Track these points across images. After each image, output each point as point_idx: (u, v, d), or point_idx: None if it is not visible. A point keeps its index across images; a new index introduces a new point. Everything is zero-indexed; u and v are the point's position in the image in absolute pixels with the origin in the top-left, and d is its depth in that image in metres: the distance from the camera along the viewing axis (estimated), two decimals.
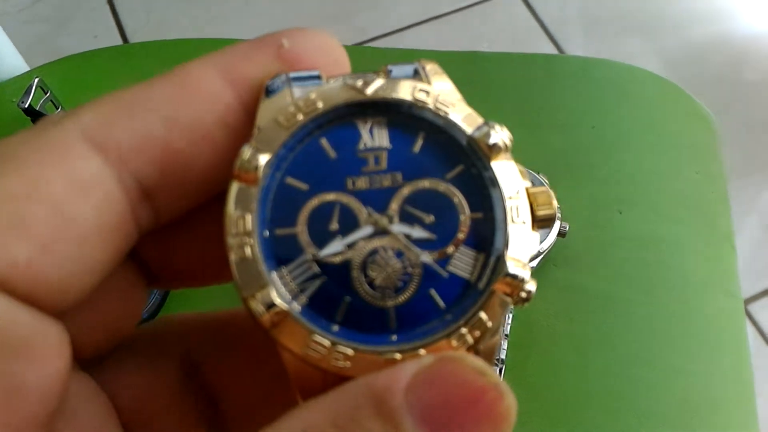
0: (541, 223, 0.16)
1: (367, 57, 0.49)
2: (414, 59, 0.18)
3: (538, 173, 0.41)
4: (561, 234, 0.40)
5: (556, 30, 1.10)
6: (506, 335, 0.38)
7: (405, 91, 0.16)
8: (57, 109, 0.43)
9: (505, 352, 0.37)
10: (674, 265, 0.42)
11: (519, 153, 0.45)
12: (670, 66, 1.08)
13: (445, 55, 0.48)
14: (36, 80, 0.42)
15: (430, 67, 0.17)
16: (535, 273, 0.39)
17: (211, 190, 0.17)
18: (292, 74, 0.16)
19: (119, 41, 1.10)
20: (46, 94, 0.43)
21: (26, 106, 0.42)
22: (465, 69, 0.48)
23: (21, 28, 1.14)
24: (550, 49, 1.08)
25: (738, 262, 0.94)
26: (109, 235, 0.15)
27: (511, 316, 0.39)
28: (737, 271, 0.44)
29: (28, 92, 0.42)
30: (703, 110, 0.49)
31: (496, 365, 0.37)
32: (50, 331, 0.15)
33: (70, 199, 0.15)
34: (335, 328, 0.16)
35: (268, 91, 0.16)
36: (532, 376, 0.38)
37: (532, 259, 0.39)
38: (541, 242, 0.39)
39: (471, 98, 0.48)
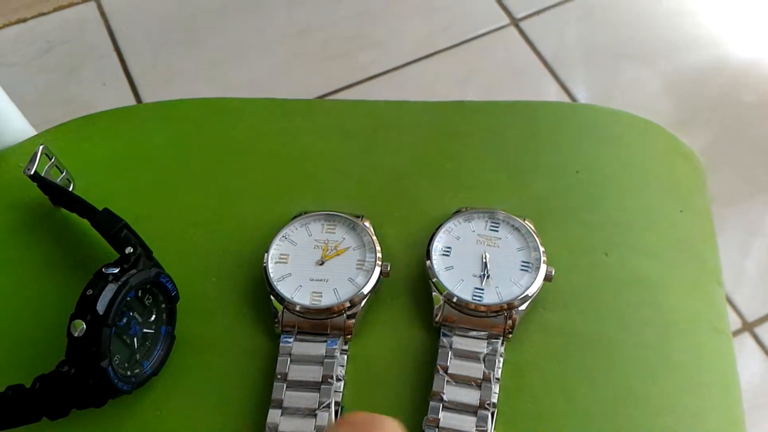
0: None
1: (348, 110, 0.51)
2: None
3: (524, 219, 0.43)
4: (547, 278, 0.41)
5: (554, 61, 1.11)
6: (497, 379, 0.39)
7: None
8: (62, 173, 0.45)
9: (496, 396, 0.38)
10: (662, 304, 0.43)
11: (505, 198, 0.47)
12: (669, 91, 1.09)
13: (430, 105, 0.50)
14: (41, 147, 0.44)
15: None
16: (525, 317, 0.40)
17: None
18: None
19: (127, 87, 1.12)
20: (51, 159, 0.45)
21: (32, 173, 0.44)
22: (450, 118, 0.49)
23: (31, 78, 1.18)
24: (549, 79, 1.09)
25: (746, 284, 0.94)
26: None
27: (502, 360, 0.40)
28: (726, 308, 0.45)
29: (33, 159, 0.44)
30: (687, 149, 0.50)
31: (487, 409, 0.38)
32: None
33: None
34: None
35: None
36: (523, 419, 0.39)
37: (521, 304, 0.40)
38: (529, 288, 0.40)
39: (456, 146, 0.50)
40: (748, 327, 0.93)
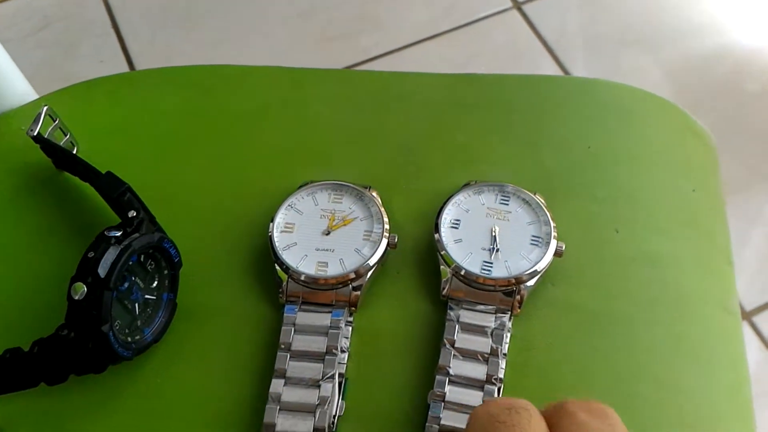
0: None
1: (360, 80, 0.50)
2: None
3: (534, 193, 0.42)
4: (557, 254, 0.40)
5: (556, 45, 1.10)
6: (504, 354, 0.38)
7: None
8: (65, 136, 0.44)
9: (503, 371, 0.38)
10: (672, 282, 0.42)
11: (515, 173, 0.46)
12: (671, 78, 1.09)
13: (442, 77, 0.49)
14: (44, 108, 0.43)
15: None
16: (533, 293, 0.40)
17: None
18: None
19: (125, 65, 1.11)
20: (54, 121, 0.44)
21: (35, 134, 0.43)
22: (461, 91, 0.48)
23: (27, 54, 1.16)
24: (550, 64, 1.09)
25: (744, 274, 0.94)
26: None
27: (509, 335, 0.39)
28: (735, 288, 0.44)
29: (36, 121, 0.43)
30: (699, 128, 0.49)
31: (494, 384, 0.37)
32: None
33: None
34: None
35: None
36: (530, 395, 0.38)
37: (529, 279, 0.40)
38: (538, 263, 0.40)
39: (467, 120, 0.49)
40: (746, 316, 0.92)
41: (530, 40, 1.11)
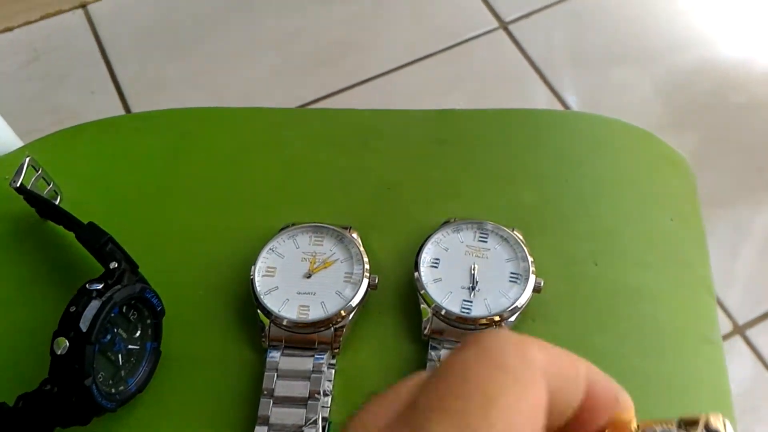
0: None
1: (336, 119, 0.50)
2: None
3: (512, 229, 0.42)
4: (536, 290, 0.40)
5: (543, 64, 1.11)
6: None
7: None
8: (48, 185, 0.45)
9: None
10: (652, 314, 0.42)
11: (493, 209, 0.47)
12: (658, 93, 1.09)
13: (418, 113, 0.50)
14: (27, 159, 0.44)
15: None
16: (513, 329, 0.40)
17: None
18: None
19: (115, 95, 1.12)
20: (37, 171, 0.44)
21: (18, 185, 0.43)
22: (438, 127, 0.49)
23: (18, 87, 1.17)
24: (538, 83, 1.09)
25: (735, 287, 0.94)
26: None
27: None
28: (716, 317, 0.44)
29: (19, 172, 0.43)
30: (676, 155, 0.50)
31: None
32: None
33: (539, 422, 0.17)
34: None
35: None
36: None
37: (510, 315, 0.40)
38: (518, 299, 0.40)
39: (445, 155, 0.49)
40: (739, 330, 0.93)
41: (517, 60, 1.12)
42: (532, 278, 0.41)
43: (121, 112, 1.09)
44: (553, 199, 0.46)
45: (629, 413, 0.21)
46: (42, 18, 1.21)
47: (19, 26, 1.21)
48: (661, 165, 0.49)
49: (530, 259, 0.41)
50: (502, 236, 0.42)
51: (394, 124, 0.49)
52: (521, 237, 0.42)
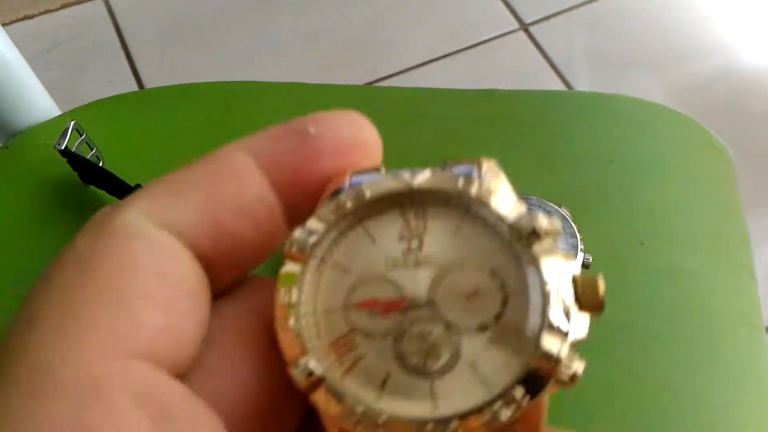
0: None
1: (380, 97, 0.50)
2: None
3: (559, 206, 0.42)
4: (585, 266, 0.40)
5: (563, 66, 1.11)
6: None
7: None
8: (92, 150, 0.45)
9: None
10: (695, 296, 0.42)
11: (537, 189, 0.46)
12: (677, 99, 1.09)
13: (461, 92, 0.50)
14: (72, 123, 0.44)
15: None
16: None
17: (255, 262, 0.18)
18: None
19: (134, 86, 1.12)
20: (81, 136, 0.44)
21: (63, 148, 0.43)
22: (481, 107, 0.49)
23: (38, 75, 1.17)
24: (557, 84, 1.09)
25: (759, 292, 0.94)
26: (204, 292, 0.17)
27: None
28: (758, 303, 0.44)
29: (64, 135, 0.43)
30: (717, 142, 0.50)
31: None
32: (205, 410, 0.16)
33: (164, 266, 0.16)
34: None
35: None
36: (559, 409, 0.38)
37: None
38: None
39: (487, 135, 0.49)
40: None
41: (537, 61, 1.12)
42: (581, 255, 0.40)
43: None
44: (597, 180, 0.45)
45: (371, 161, 0.19)
46: (62, 7, 1.21)
47: (39, 14, 1.21)
48: (703, 150, 0.49)
49: (579, 235, 0.41)
50: (548, 211, 0.42)
51: (436, 103, 0.49)
52: (569, 214, 0.42)
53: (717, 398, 0.40)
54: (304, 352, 0.16)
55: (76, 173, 0.44)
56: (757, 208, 1.01)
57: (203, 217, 0.17)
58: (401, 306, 0.17)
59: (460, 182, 0.17)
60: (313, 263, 0.17)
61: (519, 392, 0.16)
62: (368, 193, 0.17)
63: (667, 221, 0.44)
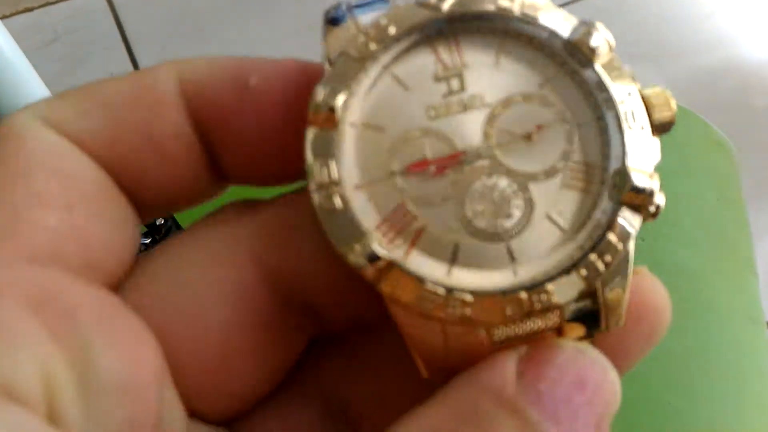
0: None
1: None
2: None
3: None
4: None
5: None
6: None
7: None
8: None
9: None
10: (698, 291, 0.42)
11: None
12: (678, 93, 1.08)
13: None
14: None
15: None
16: None
17: (175, 200, 0.16)
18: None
19: None
20: None
21: None
22: None
23: (37, 68, 1.16)
24: None
25: (760, 286, 0.94)
26: (113, 194, 0.15)
27: None
28: (759, 298, 0.44)
29: None
30: (720, 136, 0.49)
31: None
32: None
33: (59, 163, 0.15)
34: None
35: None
36: None
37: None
38: None
39: None
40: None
41: None
42: None
43: None
44: None
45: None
46: None
47: (39, 7, 1.21)
48: (706, 145, 0.48)
49: None
50: None
51: None
52: None
53: (718, 393, 0.39)
54: (359, 235, 0.14)
55: None
56: (759, 201, 1.01)
57: (104, 138, 0.15)
58: (455, 160, 0.14)
59: (500, 1, 0.15)
60: (345, 128, 0.14)
61: (613, 237, 0.14)
62: (393, 29, 0.14)
63: (668, 217, 0.44)
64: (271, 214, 0.16)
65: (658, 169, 0.50)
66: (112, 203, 0.15)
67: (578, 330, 0.14)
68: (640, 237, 0.44)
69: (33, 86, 0.49)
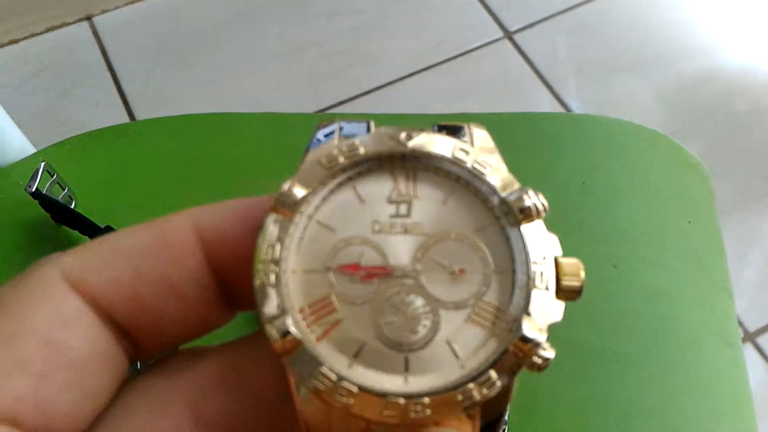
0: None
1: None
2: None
3: None
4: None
5: (548, 73, 1.11)
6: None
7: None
8: (63, 190, 0.45)
9: (507, 413, 0.38)
10: (672, 316, 0.42)
11: None
12: (662, 101, 1.10)
13: (431, 117, 0.50)
14: (42, 164, 0.43)
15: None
16: None
17: (187, 335, 0.17)
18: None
19: (121, 107, 1.12)
20: (52, 176, 0.44)
21: (33, 190, 0.43)
22: None
23: (23, 100, 1.17)
24: (543, 92, 1.09)
25: (745, 295, 0.94)
26: (101, 362, 0.16)
27: None
28: (735, 319, 0.44)
29: (34, 177, 0.43)
30: (692, 158, 0.49)
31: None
32: None
33: (55, 332, 0.16)
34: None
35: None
36: None
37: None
38: None
39: None
40: (749, 338, 0.92)
41: (522, 69, 1.12)
42: None
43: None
44: (570, 202, 0.45)
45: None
46: (47, 30, 1.21)
47: (24, 38, 1.21)
48: (677, 168, 0.49)
49: None
50: None
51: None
52: None
53: (695, 419, 0.40)
54: (282, 311, 0.15)
55: (48, 214, 0.44)
56: (744, 208, 1.01)
57: (124, 289, 0.16)
58: (384, 272, 0.16)
59: (457, 150, 0.17)
60: (298, 219, 0.16)
61: (494, 374, 0.15)
62: (362, 150, 0.17)
63: (640, 242, 0.44)
64: (211, 362, 0.17)
65: (633, 190, 0.50)
66: (95, 374, 0.16)
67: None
68: (612, 264, 0.44)
69: (7, 134, 0.49)
